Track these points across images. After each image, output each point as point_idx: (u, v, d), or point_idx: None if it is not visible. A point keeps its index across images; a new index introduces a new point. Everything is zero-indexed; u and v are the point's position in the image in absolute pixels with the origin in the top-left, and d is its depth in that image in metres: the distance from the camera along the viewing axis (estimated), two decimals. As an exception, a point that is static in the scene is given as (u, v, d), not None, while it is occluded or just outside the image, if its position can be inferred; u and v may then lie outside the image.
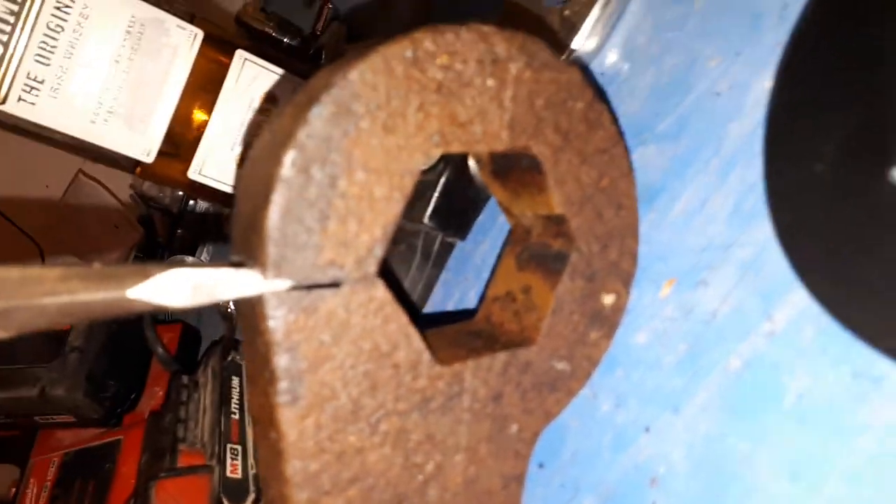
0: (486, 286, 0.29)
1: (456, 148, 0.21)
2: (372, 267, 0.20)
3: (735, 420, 0.21)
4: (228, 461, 0.43)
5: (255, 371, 0.20)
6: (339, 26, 0.65)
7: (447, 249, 0.37)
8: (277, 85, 0.38)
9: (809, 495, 0.19)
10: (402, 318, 0.21)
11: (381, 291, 0.20)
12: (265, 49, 0.39)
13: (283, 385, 0.19)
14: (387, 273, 0.33)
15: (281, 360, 0.19)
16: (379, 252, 0.20)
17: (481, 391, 0.23)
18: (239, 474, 0.42)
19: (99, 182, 0.96)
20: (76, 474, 0.54)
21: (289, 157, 0.18)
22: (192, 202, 0.78)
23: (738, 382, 0.22)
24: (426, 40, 0.20)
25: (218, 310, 0.61)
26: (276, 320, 0.18)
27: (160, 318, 0.64)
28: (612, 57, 0.32)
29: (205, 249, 0.72)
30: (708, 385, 0.22)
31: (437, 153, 0.21)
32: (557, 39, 0.33)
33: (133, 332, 0.58)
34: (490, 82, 0.21)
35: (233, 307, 0.61)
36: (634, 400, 0.25)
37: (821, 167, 0.17)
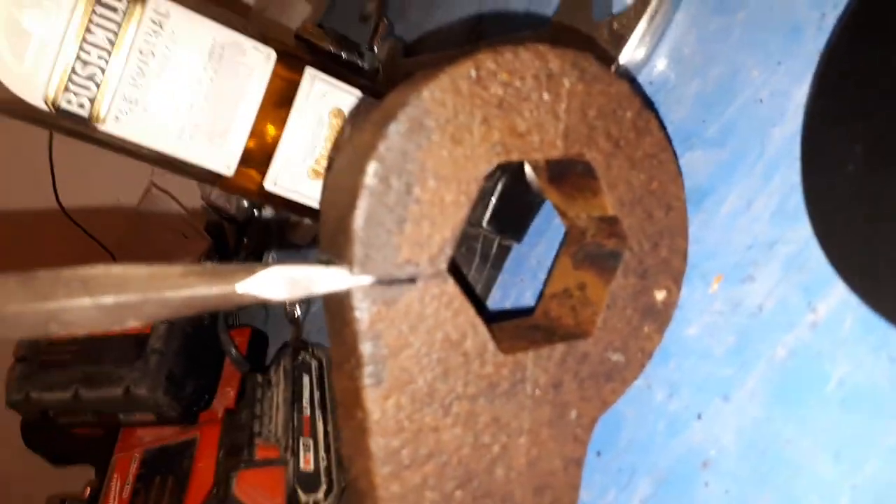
0: (544, 284, 0.31)
1: (516, 157, 0.23)
2: (443, 264, 0.22)
3: (781, 406, 0.23)
4: (301, 454, 0.45)
5: (341, 358, 0.23)
6: (394, 41, 0.67)
7: (504, 252, 0.39)
8: (344, 100, 0.41)
9: (851, 474, 0.20)
10: (469, 311, 0.23)
11: (451, 286, 0.22)
12: (328, 65, 0.42)
13: (368, 369, 0.21)
14: (456, 271, 0.35)
15: (366, 347, 0.21)
16: (449, 251, 0.22)
17: (542, 379, 0.25)
18: (311, 467, 0.45)
19: (168, 193, 1.02)
20: (156, 470, 0.58)
21: (371, 168, 0.21)
22: (256, 212, 0.83)
23: (784, 371, 0.23)
24: (488, 60, 0.22)
25: (285, 315, 0.65)
26: (362, 311, 0.21)
27: (231, 322, 0.68)
28: (659, 66, 0.34)
29: (269, 256, 0.76)
30: (755, 374, 0.24)
31: (498, 161, 0.23)
32: (606, 52, 0.35)
33: (207, 335, 0.62)
34: (546, 96, 0.24)
35: (299, 313, 0.64)
36: (686, 389, 0.26)
37: (852, 167, 0.19)
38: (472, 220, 0.36)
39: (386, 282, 0.21)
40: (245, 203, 0.87)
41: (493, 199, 0.36)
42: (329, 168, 0.34)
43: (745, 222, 0.26)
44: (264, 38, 0.39)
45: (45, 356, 0.61)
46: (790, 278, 0.24)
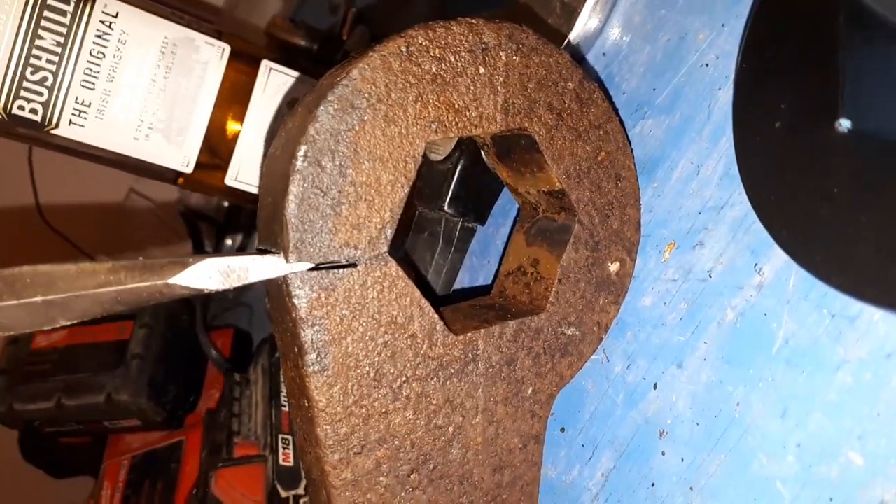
0: (499, 263, 0.31)
1: (454, 132, 0.23)
2: (384, 247, 0.22)
3: (731, 369, 0.23)
4: (281, 450, 0.45)
5: (285, 347, 0.23)
6: (363, 29, 0.67)
7: (468, 234, 0.38)
8: (303, 91, 0.40)
9: (797, 431, 0.20)
10: (414, 292, 0.23)
11: (393, 268, 0.22)
12: (294, 59, 0.41)
13: (310, 357, 0.21)
14: (403, 254, 0.35)
15: (307, 335, 0.21)
16: (390, 232, 0.22)
17: (494, 357, 0.25)
18: (291, 462, 0.45)
19: (149, 199, 1.01)
20: (145, 475, 0.58)
21: (301, 151, 0.20)
22: (238, 213, 0.82)
23: (733, 333, 0.23)
24: (419, 36, 0.22)
25: (266, 311, 0.65)
26: (300, 298, 0.21)
27: (214, 324, 0.67)
28: (612, 36, 0.34)
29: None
30: (707, 338, 0.24)
31: (436, 139, 0.22)
32: (558, 30, 0.34)
33: (188, 338, 0.62)
34: (482, 70, 0.23)
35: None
36: (643, 359, 0.26)
37: (779, 123, 0.18)
38: (433, 204, 0.36)
39: (324, 267, 0.21)
40: (225, 203, 0.86)
41: (453, 182, 0.36)
42: (265, 155, 0.34)
43: (695, 187, 0.26)
44: (218, 34, 0.38)
45: (26, 367, 0.60)
46: (737, 241, 0.24)
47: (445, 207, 0.36)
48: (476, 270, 0.39)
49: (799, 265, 0.18)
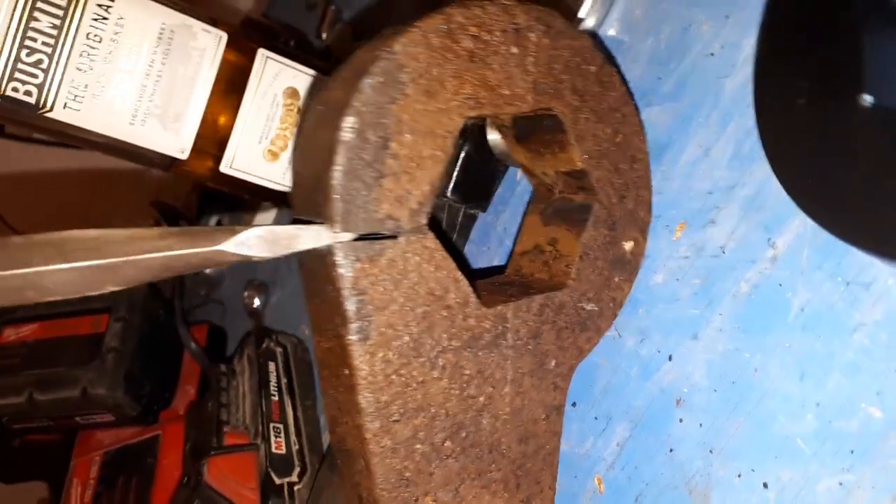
0: (514, 245, 0.31)
1: (488, 110, 0.24)
2: (424, 219, 0.22)
3: (748, 337, 0.24)
4: (272, 438, 0.45)
5: (323, 319, 0.23)
6: (343, 27, 0.66)
7: (470, 221, 0.39)
8: (297, 80, 0.40)
9: (816, 391, 0.22)
10: (450, 265, 0.23)
11: (432, 241, 0.23)
12: (280, 47, 0.41)
13: (354, 326, 0.21)
14: (435, 226, 0.35)
15: (351, 304, 0.21)
16: (429, 206, 0.23)
17: (522, 330, 0.25)
18: (283, 450, 0.45)
19: (115, 192, 0.98)
20: (119, 471, 0.56)
21: (347, 122, 0.21)
22: (207, 207, 0.80)
23: (749, 304, 0.24)
24: (457, 14, 0.23)
25: (244, 306, 0.64)
26: (345, 268, 0.21)
27: (188, 319, 0.66)
28: (612, 31, 0.35)
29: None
30: (722, 310, 0.25)
31: (472, 114, 0.23)
32: (570, 7, 0.35)
33: (164, 333, 0.60)
34: (514, 49, 0.24)
35: (258, 303, 0.63)
36: (657, 333, 0.27)
37: (801, 101, 0.20)
38: (437, 190, 0.37)
39: (368, 238, 0.21)
40: (192, 198, 0.85)
41: (457, 168, 0.36)
42: (299, 131, 0.34)
43: (704, 169, 0.28)
44: (214, 21, 0.38)
45: (-6, 361, 0.58)
46: (749, 218, 0.25)
47: (449, 194, 0.37)
48: (475, 256, 0.40)
49: (825, 229, 0.20)
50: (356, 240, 0.21)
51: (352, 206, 0.21)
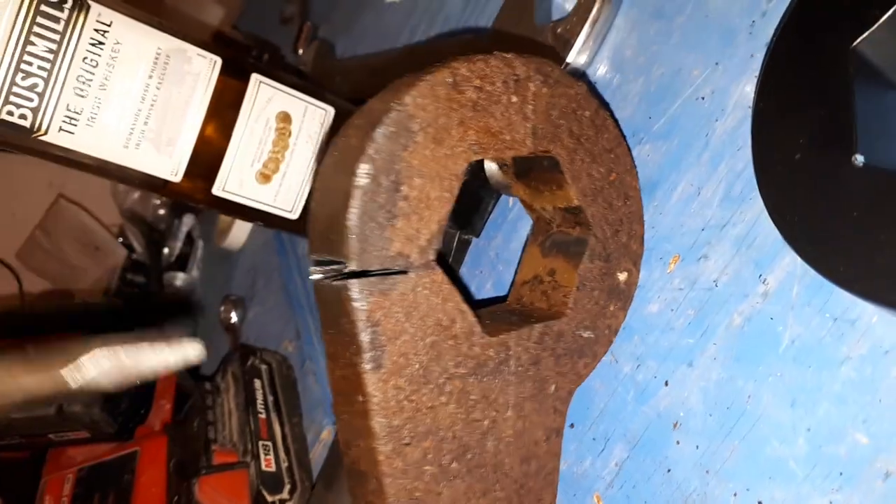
0: (515, 274, 0.33)
1: (491, 154, 0.25)
2: (432, 255, 0.24)
3: (741, 366, 0.26)
4: (262, 456, 0.46)
5: (337, 348, 0.24)
6: (321, 43, 0.67)
7: (465, 246, 0.41)
8: (290, 104, 0.41)
9: (806, 418, 0.23)
10: (457, 297, 0.25)
11: (439, 275, 0.24)
12: (273, 70, 0.42)
13: (368, 355, 0.23)
14: (443, 261, 0.37)
15: (366, 335, 0.23)
16: (437, 243, 0.24)
17: (523, 357, 0.27)
18: (273, 468, 0.46)
19: (79, 205, 0.98)
20: (94, 487, 0.55)
21: (362, 169, 0.23)
22: (177, 220, 0.82)
23: (742, 336, 0.26)
24: (462, 68, 0.25)
25: (220, 321, 0.65)
26: (360, 302, 0.23)
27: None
28: (602, 69, 0.37)
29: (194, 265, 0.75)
30: (716, 340, 0.27)
31: (476, 158, 0.25)
32: (556, 53, 0.37)
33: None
34: (514, 98, 0.26)
35: (235, 319, 0.64)
36: (652, 360, 0.29)
37: (799, 155, 0.22)
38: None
39: (379, 273, 0.23)
40: (162, 211, 0.85)
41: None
42: (316, 175, 0.35)
43: (696, 207, 0.29)
44: (207, 46, 0.39)
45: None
46: (742, 255, 0.27)
47: (447, 222, 0.38)
48: (468, 280, 0.41)
49: (822, 276, 0.21)
50: (370, 275, 0.23)
51: (366, 244, 0.23)
